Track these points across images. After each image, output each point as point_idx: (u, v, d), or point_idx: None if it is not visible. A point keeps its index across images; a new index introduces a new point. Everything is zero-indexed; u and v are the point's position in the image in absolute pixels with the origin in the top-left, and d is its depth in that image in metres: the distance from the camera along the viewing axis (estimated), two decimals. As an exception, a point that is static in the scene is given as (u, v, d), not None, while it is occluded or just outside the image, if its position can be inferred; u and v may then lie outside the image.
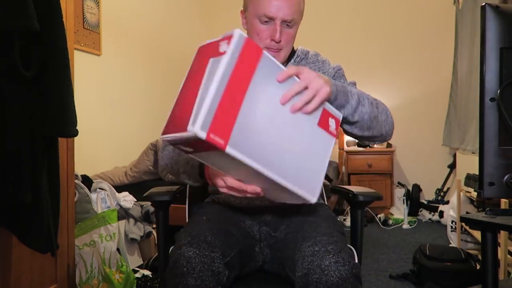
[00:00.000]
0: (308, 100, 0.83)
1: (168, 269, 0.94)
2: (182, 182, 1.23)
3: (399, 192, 4.17)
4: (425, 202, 4.17)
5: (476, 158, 0.99)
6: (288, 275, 1.01)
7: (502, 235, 2.06)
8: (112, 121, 3.27)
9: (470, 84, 3.48)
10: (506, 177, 0.89)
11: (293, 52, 1.25)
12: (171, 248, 1.01)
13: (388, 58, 4.48)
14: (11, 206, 1.17)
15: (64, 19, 1.23)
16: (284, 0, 1.05)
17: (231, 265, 0.96)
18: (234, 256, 0.97)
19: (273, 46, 1.10)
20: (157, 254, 2.41)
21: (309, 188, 0.85)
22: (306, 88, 0.83)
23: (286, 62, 1.22)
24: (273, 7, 1.05)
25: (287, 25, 1.09)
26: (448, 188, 4.21)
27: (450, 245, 2.91)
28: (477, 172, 0.92)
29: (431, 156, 4.37)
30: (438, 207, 3.89)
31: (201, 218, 1.09)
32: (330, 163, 2.11)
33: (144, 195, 1.21)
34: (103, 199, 2.18)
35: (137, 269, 2.24)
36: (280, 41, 1.09)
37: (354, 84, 1.23)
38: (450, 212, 3.09)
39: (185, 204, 1.38)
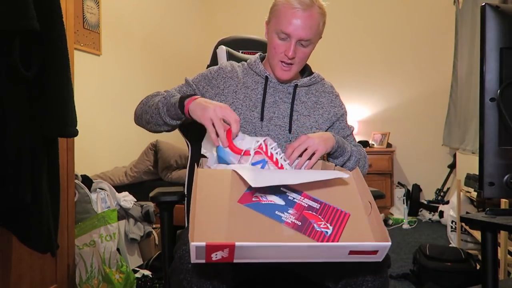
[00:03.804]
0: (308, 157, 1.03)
1: (172, 265, 0.95)
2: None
3: (399, 192, 4.17)
4: (425, 202, 4.17)
5: (476, 158, 0.99)
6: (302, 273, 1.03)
7: (502, 235, 2.06)
8: (112, 121, 3.26)
9: (470, 84, 3.48)
10: (506, 177, 0.89)
11: (310, 72, 1.32)
12: (177, 244, 1.01)
13: (388, 58, 4.48)
14: (11, 206, 1.16)
15: (64, 19, 1.23)
16: (303, 21, 1.10)
17: (236, 264, 0.96)
18: None
19: (286, 61, 1.16)
20: (157, 254, 2.41)
21: None
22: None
23: (299, 79, 1.28)
24: (291, 26, 1.11)
25: (302, 44, 1.14)
26: (448, 188, 4.21)
27: (450, 245, 2.91)
28: (477, 172, 0.92)
29: (431, 156, 4.37)
30: (438, 207, 3.89)
31: None
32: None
33: (150, 195, 1.20)
34: (103, 199, 2.18)
35: (137, 269, 2.24)
36: (293, 58, 1.15)
37: (352, 129, 1.35)
38: (450, 212, 3.09)
39: (183, 203, 1.38)
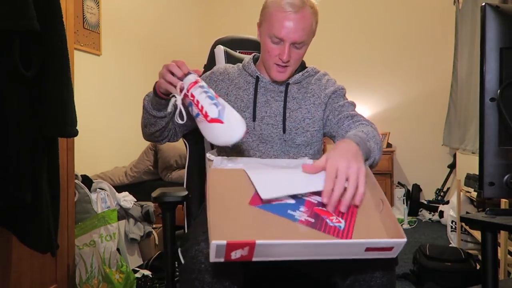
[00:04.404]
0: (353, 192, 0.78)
1: (184, 264, 0.94)
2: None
3: (399, 192, 4.17)
4: (425, 202, 4.17)
5: (476, 158, 0.99)
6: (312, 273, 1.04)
7: (502, 235, 2.06)
8: (112, 121, 3.26)
9: (470, 84, 3.48)
10: (506, 177, 0.89)
11: (303, 67, 1.30)
12: (187, 243, 1.01)
13: (388, 58, 4.48)
14: (11, 206, 1.16)
15: (64, 19, 1.23)
16: (296, 24, 1.09)
17: (248, 262, 0.96)
18: None
19: (281, 64, 1.15)
20: (157, 254, 2.41)
21: None
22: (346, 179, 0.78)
23: (291, 76, 1.26)
24: (284, 30, 1.09)
25: (296, 46, 1.13)
26: (448, 188, 4.21)
27: (450, 245, 2.91)
28: (477, 172, 0.92)
29: (431, 156, 4.37)
30: (438, 207, 3.89)
31: None
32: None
33: (153, 196, 1.20)
34: (103, 199, 2.18)
35: (137, 269, 2.24)
36: (288, 61, 1.14)
37: (353, 104, 1.23)
38: (450, 212, 3.09)
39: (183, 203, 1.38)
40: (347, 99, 1.25)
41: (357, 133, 1.01)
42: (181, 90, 0.96)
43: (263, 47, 1.17)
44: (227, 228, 0.73)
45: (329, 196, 0.77)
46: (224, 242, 0.66)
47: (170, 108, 1.04)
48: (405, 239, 0.72)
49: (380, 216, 0.80)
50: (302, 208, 0.80)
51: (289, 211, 0.78)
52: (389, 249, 0.73)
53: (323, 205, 0.81)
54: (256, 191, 0.81)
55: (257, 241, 0.67)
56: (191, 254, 0.92)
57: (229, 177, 0.87)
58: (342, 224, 0.78)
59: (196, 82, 0.95)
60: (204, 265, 0.88)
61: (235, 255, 0.69)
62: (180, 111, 0.94)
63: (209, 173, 0.86)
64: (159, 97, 1.07)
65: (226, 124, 0.90)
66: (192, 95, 0.93)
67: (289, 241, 0.70)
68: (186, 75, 0.98)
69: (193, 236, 0.99)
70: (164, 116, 1.14)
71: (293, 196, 0.82)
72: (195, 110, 0.94)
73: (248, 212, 0.78)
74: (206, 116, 0.91)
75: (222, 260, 0.69)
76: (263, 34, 1.16)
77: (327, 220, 0.78)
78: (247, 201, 0.80)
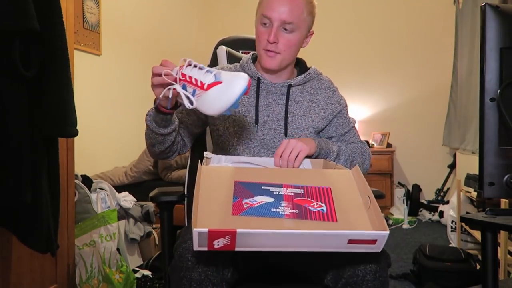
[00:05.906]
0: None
1: (172, 263, 0.95)
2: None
3: (399, 192, 4.17)
4: (425, 202, 4.17)
5: (476, 158, 0.99)
6: (300, 270, 1.05)
7: (502, 235, 2.06)
8: (112, 121, 3.26)
9: (470, 84, 3.48)
10: (506, 177, 0.89)
11: (305, 68, 1.27)
12: (177, 242, 1.02)
13: (388, 58, 4.48)
14: (11, 206, 1.16)
15: (64, 19, 1.22)
16: (284, 4, 1.09)
17: (237, 261, 0.97)
18: (239, 252, 0.98)
19: (270, 48, 1.12)
20: (157, 254, 2.41)
21: None
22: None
23: (295, 77, 1.24)
24: (271, 8, 1.09)
25: (286, 29, 1.11)
26: (448, 188, 4.21)
27: (450, 245, 2.91)
28: (477, 172, 0.92)
29: (431, 156, 4.37)
30: (438, 207, 3.89)
31: None
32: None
33: (150, 195, 1.20)
34: (103, 199, 2.18)
35: (137, 269, 2.24)
36: (275, 42, 1.11)
37: (354, 126, 1.32)
38: (450, 212, 3.09)
39: (183, 203, 1.38)
40: (348, 115, 1.30)
41: (331, 142, 1.19)
42: (175, 80, 0.91)
43: (256, 36, 1.17)
44: (211, 218, 0.75)
45: (278, 157, 1.04)
46: (206, 230, 0.68)
47: (183, 107, 0.98)
48: (387, 232, 0.72)
49: (367, 212, 0.82)
50: (283, 203, 0.81)
51: (272, 210, 0.80)
52: (373, 242, 0.73)
53: (299, 195, 0.84)
54: (233, 200, 0.81)
55: (238, 230, 0.69)
56: (179, 252, 0.94)
57: (219, 175, 0.89)
58: (324, 207, 0.81)
59: (184, 64, 0.90)
60: (191, 263, 0.89)
61: (218, 244, 0.70)
62: (186, 96, 0.88)
63: (200, 170, 0.87)
64: (162, 113, 1.03)
65: (225, 83, 0.85)
66: (183, 75, 0.89)
67: (270, 231, 0.72)
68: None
69: (182, 235, 1.00)
70: (172, 131, 1.10)
71: (270, 194, 0.84)
72: (190, 90, 0.88)
73: (233, 220, 0.78)
74: (202, 85, 0.86)
75: (205, 249, 0.71)
76: (256, 23, 1.16)
77: (309, 208, 0.80)
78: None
